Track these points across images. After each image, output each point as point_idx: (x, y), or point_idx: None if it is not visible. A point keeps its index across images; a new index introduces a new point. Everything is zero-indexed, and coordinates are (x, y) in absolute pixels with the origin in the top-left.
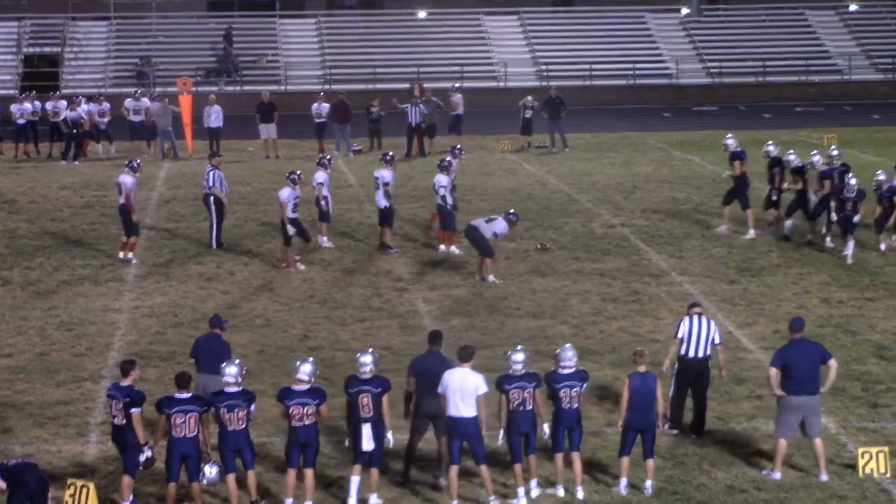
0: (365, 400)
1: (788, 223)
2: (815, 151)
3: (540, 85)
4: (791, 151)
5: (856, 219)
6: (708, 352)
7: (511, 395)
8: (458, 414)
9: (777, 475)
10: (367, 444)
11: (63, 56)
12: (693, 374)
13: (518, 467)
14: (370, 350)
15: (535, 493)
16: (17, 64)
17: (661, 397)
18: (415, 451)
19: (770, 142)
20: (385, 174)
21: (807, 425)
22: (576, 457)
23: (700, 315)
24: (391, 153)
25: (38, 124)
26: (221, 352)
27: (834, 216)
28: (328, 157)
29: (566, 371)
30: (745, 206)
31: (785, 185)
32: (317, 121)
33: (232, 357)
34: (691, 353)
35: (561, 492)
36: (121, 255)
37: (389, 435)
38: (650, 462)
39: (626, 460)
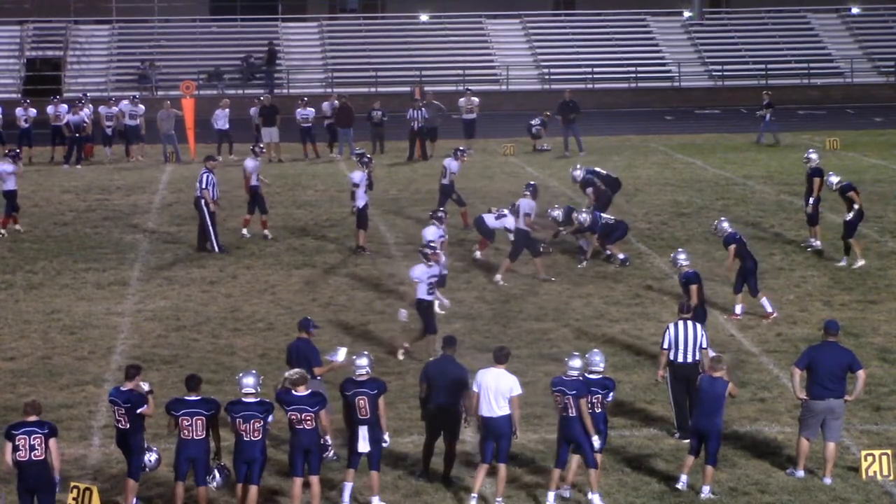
0: (362, 402)
1: (583, 242)
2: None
3: (542, 88)
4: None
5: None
6: (697, 356)
7: (554, 397)
8: (491, 413)
9: (800, 473)
10: (363, 445)
11: (65, 60)
12: (685, 379)
13: (556, 472)
14: (365, 353)
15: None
16: (20, 68)
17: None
18: (432, 450)
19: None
20: (355, 175)
21: (826, 428)
22: (597, 458)
23: (686, 320)
24: (368, 156)
25: (61, 129)
26: (308, 355)
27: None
28: (368, 156)
29: (592, 376)
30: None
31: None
32: (303, 125)
33: (320, 359)
34: (680, 359)
35: (567, 493)
36: (244, 230)
37: (386, 436)
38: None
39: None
